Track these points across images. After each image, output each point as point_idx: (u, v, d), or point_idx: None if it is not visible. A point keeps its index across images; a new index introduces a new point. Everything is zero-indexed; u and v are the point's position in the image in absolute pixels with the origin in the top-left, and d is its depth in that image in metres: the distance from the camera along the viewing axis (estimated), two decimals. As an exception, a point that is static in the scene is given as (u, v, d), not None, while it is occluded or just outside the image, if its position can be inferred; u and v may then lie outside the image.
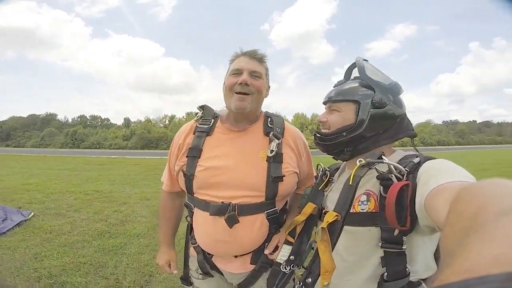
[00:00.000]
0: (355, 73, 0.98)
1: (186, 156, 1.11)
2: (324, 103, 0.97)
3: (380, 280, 0.77)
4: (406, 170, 0.72)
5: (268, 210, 1.08)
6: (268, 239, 1.12)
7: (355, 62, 0.97)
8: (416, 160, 0.76)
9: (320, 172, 1.04)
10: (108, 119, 71.45)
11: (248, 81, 1.04)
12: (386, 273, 0.75)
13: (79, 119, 68.07)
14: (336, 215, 0.78)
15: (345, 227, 0.79)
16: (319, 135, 0.95)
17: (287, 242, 1.01)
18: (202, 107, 1.22)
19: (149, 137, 52.43)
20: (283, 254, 0.99)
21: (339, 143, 0.90)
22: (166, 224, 1.37)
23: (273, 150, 1.05)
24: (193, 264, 1.25)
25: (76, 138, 55.64)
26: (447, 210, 0.45)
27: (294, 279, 1.08)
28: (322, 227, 0.77)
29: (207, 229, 1.09)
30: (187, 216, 1.24)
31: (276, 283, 0.98)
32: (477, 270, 0.21)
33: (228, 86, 1.08)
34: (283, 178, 1.06)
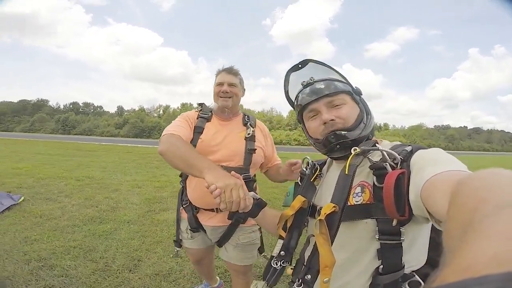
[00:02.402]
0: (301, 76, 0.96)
1: (193, 132, 1.50)
2: (315, 100, 0.87)
3: (375, 274, 0.74)
4: (400, 158, 0.70)
5: (245, 174, 1.45)
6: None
7: (300, 63, 0.97)
8: (409, 148, 0.73)
9: (309, 166, 1.01)
10: (101, 107, 71.04)
11: (227, 90, 1.55)
12: (381, 266, 0.73)
13: (71, 106, 67.09)
14: (334, 206, 0.75)
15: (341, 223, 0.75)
16: (344, 133, 0.83)
17: (280, 237, 0.98)
18: (200, 104, 1.69)
19: (142, 126, 52.10)
20: (278, 248, 0.97)
21: (363, 136, 0.84)
22: (195, 151, 1.23)
23: (249, 133, 1.55)
24: (184, 224, 1.66)
25: (67, 124, 54.96)
26: (446, 202, 0.44)
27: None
28: (319, 219, 0.74)
29: (198, 185, 1.46)
30: (180, 181, 1.62)
31: (267, 278, 0.94)
32: (476, 270, 0.20)
33: (215, 93, 1.59)
34: (255, 150, 1.52)
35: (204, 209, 1.53)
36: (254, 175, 1.60)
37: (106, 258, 2.58)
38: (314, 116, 0.90)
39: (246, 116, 1.68)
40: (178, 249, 1.72)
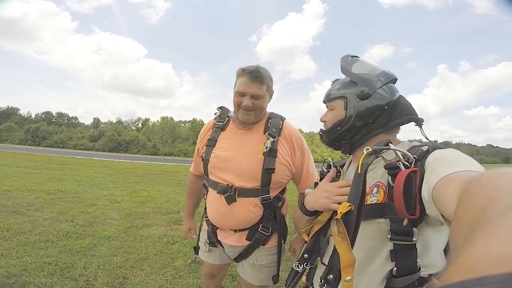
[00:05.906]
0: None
1: (205, 146, 1.40)
2: (324, 103, 1.04)
3: (389, 276, 0.73)
4: (414, 157, 0.70)
5: (263, 196, 1.29)
6: (262, 220, 1.34)
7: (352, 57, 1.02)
8: (425, 148, 0.74)
9: (331, 167, 1.02)
10: (76, 118, 67.82)
11: (249, 106, 1.26)
12: (395, 268, 0.72)
13: (43, 116, 63.92)
14: (350, 205, 0.76)
15: None
16: (321, 133, 1.03)
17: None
18: (220, 108, 1.48)
19: (119, 139, 50.17)
20: (302, 250, 0.99)
21: (336, 137, 0.95)
22: (191, 199, 1.74)
23: (267, 147, 1.28)
24: (203, 236, 1.54)
25: (37, 135, 52.04)
26: (455, 201, 0.43)
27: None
28: (336, 219, 0.75)
29: (214, 204, 1.35)
30: (205, 194, 1.50)
31: (289, 282, 0.96)
32: (480, 269, 0.19)
33: (235, 103, 1.30)
34: (275, 170, 1.28)
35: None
36: (282, 192, 1.39)
37: (86, 275, 2.36)
38: None
39: (270, 121, 1.37)
40: (196, 256, 1.68)
